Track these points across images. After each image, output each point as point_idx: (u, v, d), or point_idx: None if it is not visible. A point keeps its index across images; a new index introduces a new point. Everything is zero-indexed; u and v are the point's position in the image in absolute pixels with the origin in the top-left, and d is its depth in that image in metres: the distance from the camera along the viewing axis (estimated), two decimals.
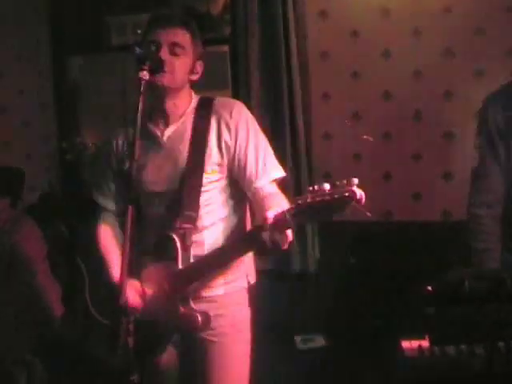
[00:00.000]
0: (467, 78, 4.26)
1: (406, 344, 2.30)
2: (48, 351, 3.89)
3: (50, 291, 4.00)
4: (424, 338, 2.24)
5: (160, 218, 2.59)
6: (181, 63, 2.60)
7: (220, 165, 2.59)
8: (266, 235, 2.14)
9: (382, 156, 4.40)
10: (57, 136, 5.04)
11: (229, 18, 4.64)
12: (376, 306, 4.05)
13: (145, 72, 2.38)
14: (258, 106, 4.17)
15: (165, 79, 2.56)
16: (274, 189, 2.55)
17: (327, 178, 4.28)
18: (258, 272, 4.18)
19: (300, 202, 1.96)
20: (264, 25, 4.18)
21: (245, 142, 2.58)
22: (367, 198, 4.25)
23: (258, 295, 3.99)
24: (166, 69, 2.52)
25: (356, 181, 1.85)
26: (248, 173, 2.56)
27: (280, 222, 2.07)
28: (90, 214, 2.88)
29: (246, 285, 2.74)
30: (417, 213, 4.37)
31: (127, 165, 2.65)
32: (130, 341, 2.38)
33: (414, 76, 4.32)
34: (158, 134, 2.65)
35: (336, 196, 1.86)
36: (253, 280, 2.79)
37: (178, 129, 2.65)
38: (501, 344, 2.05)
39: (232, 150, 2.59)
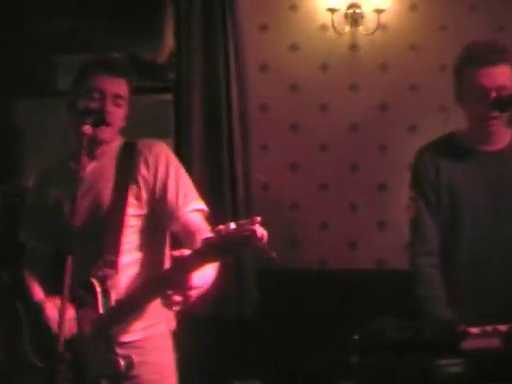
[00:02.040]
0: (401, 131, 4.45)
1: None
2: None
3: None
4: None
5: (80, 258, 2.46)
6: (121, 114, 2.69)
7: (138, 200, 2.63)
8: (172, 276, 2.18)
9: (319, 205, 4.52)
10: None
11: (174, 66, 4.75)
12: (312, 353, 4.12)
13: (87, 126, 2.46)
14: (198, 156, 4.26)
15: (106, 134, 2.65)
16: (197, 219, 2.57)
17: (266, 225, 4.38)
18: (195, 318, 4.28)
19: (206, 242, 2.03)
20: (206, 77, 4.28)
21: (165, 175, 2.61)
22: (305, 247, 4.38)
23: (195, 341, 4.08)
24: (109, 122, 2.60)
25: (258, 219, 1.94)
26: (169, 203, 2.58)
27: (187, 263, 2.12)
28: None
29: (167, 330, 2.76)
30: (352, 261, 4.49)
31: (53, 205, 2.73)
32: None
33: (351, 129, 4.49)
34: (79, 169, 2.61)
35: (238, 235, 1.94)
36: (173, 326, 2.80)
37: (99, 165, 2.70)
38: None
39: (151, 184, 2.61)
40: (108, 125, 2.61)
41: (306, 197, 4.53)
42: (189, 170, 4.05)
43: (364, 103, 4.48)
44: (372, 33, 4.40)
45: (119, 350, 2.51)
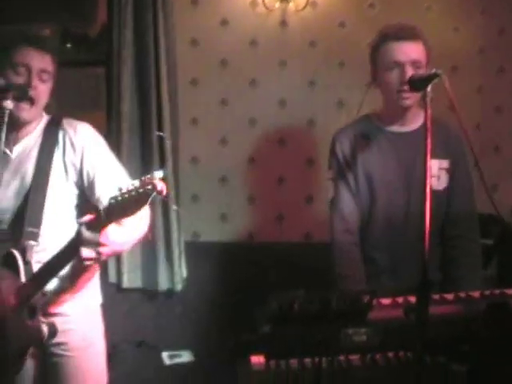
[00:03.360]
0: (329, 107, 4.54)
1: (254, 359, 2.44)
2: None
3: None
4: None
5: (5, 235, 2.63)
6: (47, 90, 2.69)
7: (65, 182, 2.69)
8: (83, 234, 2.29)
9: (247, 179, 4.60)
10: None
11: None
12: (238, 324, 4.21)
13: (9, 101, 2.47)
14: (128, 130, 4.27)
15: (31, 113, 2.66)
16: None
17: (195, 199, 4.47)
18: (127, 290, 4.34)
19: (110, 201, 2.14)
20: (136, 51, 4.28)
21: (91, 157, 2.68)
22: (234, 220, 4.46)
23: (125, 314, 4.14)
24: (34, 97, 2.61)
25: (158, 174, 2.06)
26: (97, 186, 2.66)
27: (95, 221, 2.24)
28: None
29: (95, 302, 2.89)
30: (280, 235, 4.59)
31: None
32: None
33: (279, 104, 4.55)
34: (7, 150, 2.67)
35: (140, 189, 2.06)
36: (100, 299, 2.93)
37: (26, 145, 2.72)
38: (327, 359, 2.25)
39: (78, 166, 2.68)
40: (31, 100, 2.62)
41: (235, 171, 4.59)
42: (118, 143, 4.16)
43: (293, 79, 4.54)
44: (302, 9, 4.45)
45: (44, 318, 2.57)
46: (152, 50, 4.24)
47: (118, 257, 4.32)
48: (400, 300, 2.46)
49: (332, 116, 4.46)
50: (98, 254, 2.34)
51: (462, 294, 2.50)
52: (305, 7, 4.44)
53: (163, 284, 4.35)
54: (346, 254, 3.04)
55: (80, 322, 2.78)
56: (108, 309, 2.99)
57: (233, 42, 4.54)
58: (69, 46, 5.10)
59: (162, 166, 4.22)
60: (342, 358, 2.31)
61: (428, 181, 2.25)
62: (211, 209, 4.54)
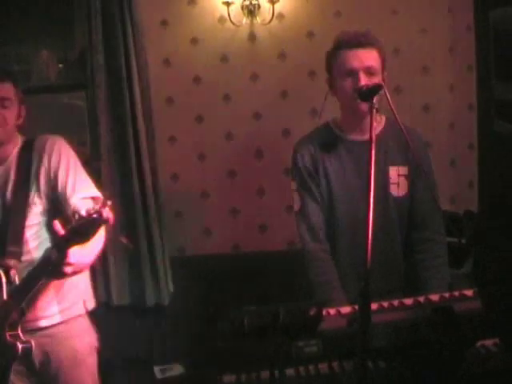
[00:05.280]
0: (302, 116, 4.62)
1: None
2: None
3: None
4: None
5: None
6: (10, 114, 2.77)
7: (40, 197, 2.75)
8: (51, 256, 2.39)
9: (229, 192, 4.70)
10: None
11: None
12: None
13: None
14: (106, 152, 4.37)
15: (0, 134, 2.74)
16: (87, 206, 2.60)
17: (177, 216, 4.57)
18: (116, 307, 4.43)
19: (70, 227, 2.25)
20: (109, 75, 4.39)
21: (56, 166, 2.74)
22: (218, 233, 4.52)
23: (115, 329, 4.22)
24: None
25: (109, 202, 2.17)
26: (59, 191, 2.72)
27: (59, 243, 2.33)
28: None
29: (83, 311, 2.89)
30: (264, 244, 4.69)
31: None
32: None
33: (254, 117, 4.67)
34: None
35: (88, 218, 2.17)
36: (91, 306, 2.94)
37: (4, 170, 2.80)
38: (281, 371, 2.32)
39: (47, 176, 2.75)
40: None
41: (216, 185, 4.71)
42: (98, 164, 4.25)
43: (265, 91, 4.65)
44: (268, 22, 4.55)
45: (35, 339, 2.63)
46: (124, 73, 4.34)
47: (106, 276, 4.43)
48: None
49: (306, 125, 4.47)
50: (62, 273, 2.42)
51: (421, 299, 2.53)
52: (271, 20, 4.53)
53: (151, 300, 4.45)
54: (319, 262, 3.04)
55: (69, 339, 2.82)
56: (99, 326, 3.06)
57: (204, 59, 4.66)
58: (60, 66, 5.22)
59: (142, 184, 4.32)
60: (296, 369, 2.36)
61: (371, 193, 2.27)
62: (195, 223, 4.63)
